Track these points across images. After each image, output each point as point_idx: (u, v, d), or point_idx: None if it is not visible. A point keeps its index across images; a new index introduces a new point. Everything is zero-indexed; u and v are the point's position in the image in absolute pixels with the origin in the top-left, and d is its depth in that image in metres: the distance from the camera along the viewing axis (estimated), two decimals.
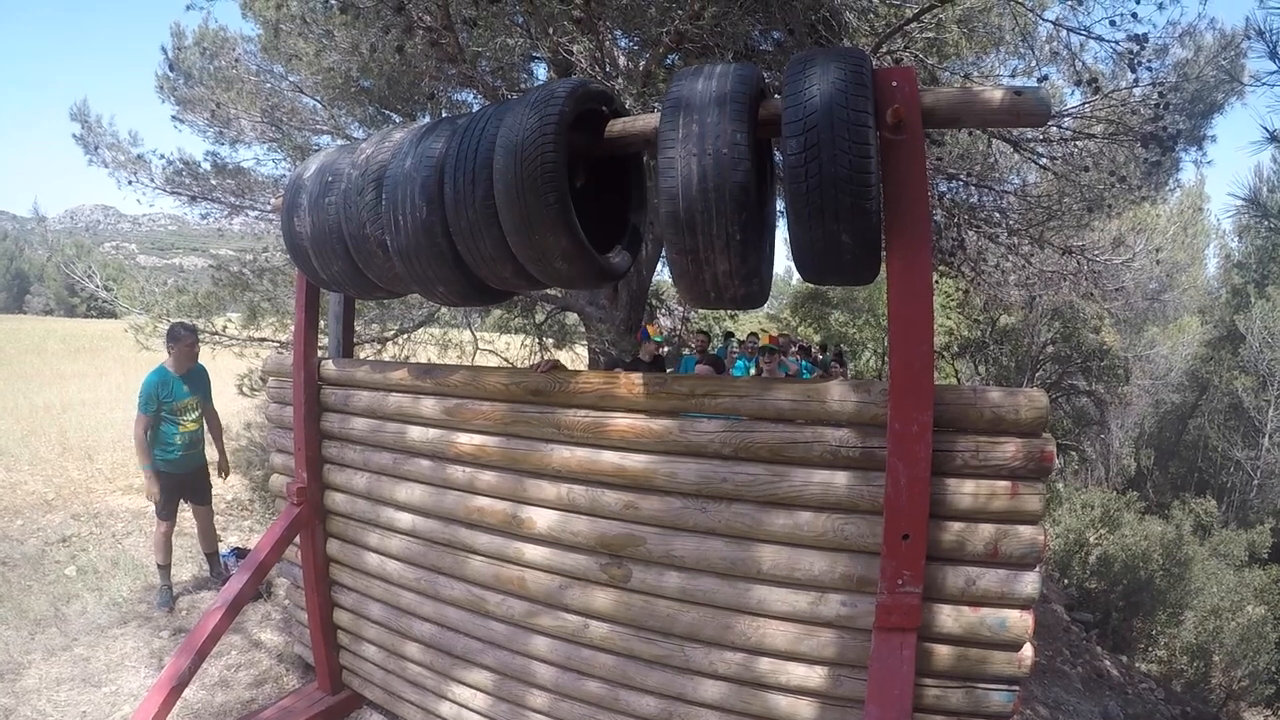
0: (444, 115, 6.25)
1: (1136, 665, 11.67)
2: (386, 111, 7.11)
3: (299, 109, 7.79)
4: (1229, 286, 23.78)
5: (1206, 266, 23.90)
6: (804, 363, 10.23)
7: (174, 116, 8.17)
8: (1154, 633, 12.88)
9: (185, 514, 6.07)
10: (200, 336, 5.92)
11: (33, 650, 4.94)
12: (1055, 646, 9.37)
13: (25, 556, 6.47)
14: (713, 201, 2.24)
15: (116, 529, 7.28)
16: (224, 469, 6.10)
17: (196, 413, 5.68)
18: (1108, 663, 10.20)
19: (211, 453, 5.96)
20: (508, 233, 2.65)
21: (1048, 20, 6.56)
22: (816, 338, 19.88)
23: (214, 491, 6.09)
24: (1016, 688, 2.42)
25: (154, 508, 5.64)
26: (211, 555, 6.14)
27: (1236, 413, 22.25)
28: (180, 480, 5.62)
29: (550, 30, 5.34)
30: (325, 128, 7.67)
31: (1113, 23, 5.80)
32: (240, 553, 6.26)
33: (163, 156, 8.12)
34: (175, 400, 5.48)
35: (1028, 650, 2.39)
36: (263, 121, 7.66)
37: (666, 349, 9.65)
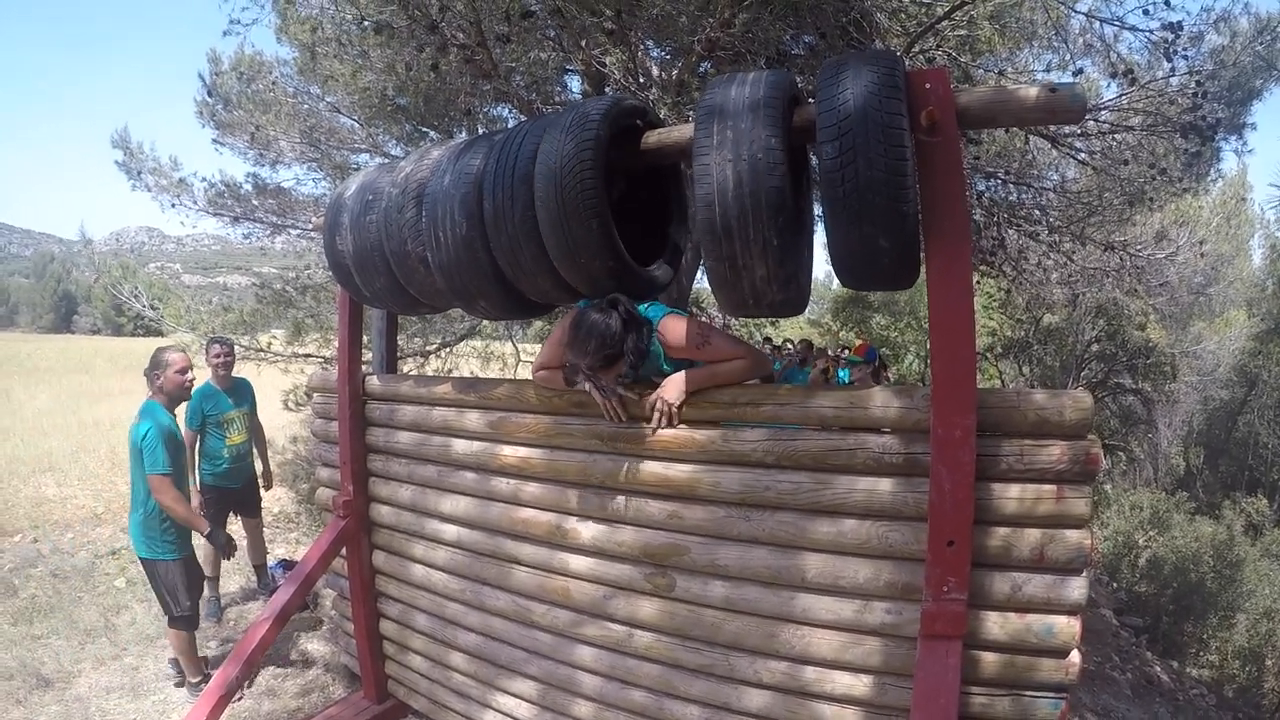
0: (480, 131, 6.32)
1: (1187, 670, 11.42)
2: (423, 128, 7.19)
3: (337, 129, 7.91)
4: (1276, 277, 23.17)
5: (1252, 258, 23.38)
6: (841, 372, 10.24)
7: (214, 140, 8.33)
8: (1205, 637, 12.60)
9: (233, 527, 6.18)
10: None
11: (83, 659, 5.08)
12: (1104, 652, 9.22)
13: (76, 569, 6.64)
14: (749, 206, 2.25)
15: None
16: (268, 481, 6.21)
17: (241, 425, 5.78)
18: (1158, 668, 10.00)
19: (258, 464, 6.07)
20: (554, 258, 2.70)
21: (1080, 12, 6.47)
22: (857, 342, 19.75)
23: (261, 504, 6.20)
24: (1064, 695, 2.38)
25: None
26: (260, 567, 6.25)
27: None
28: (229, 494, 5.72)
29: (583, 43, 5.38)
30: (363, 146, 7.77)
31: (1146, 11, 5.70)
32: (287, 565, 6.37)
33: (204, 179, 8.30)
34: (220, 413, 5.58)
35: (1075, 656, 2.36)
36: (302, 142, 7.79)
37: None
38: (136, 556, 4.70)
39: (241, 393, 5.86)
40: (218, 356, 5.66)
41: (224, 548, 4.71)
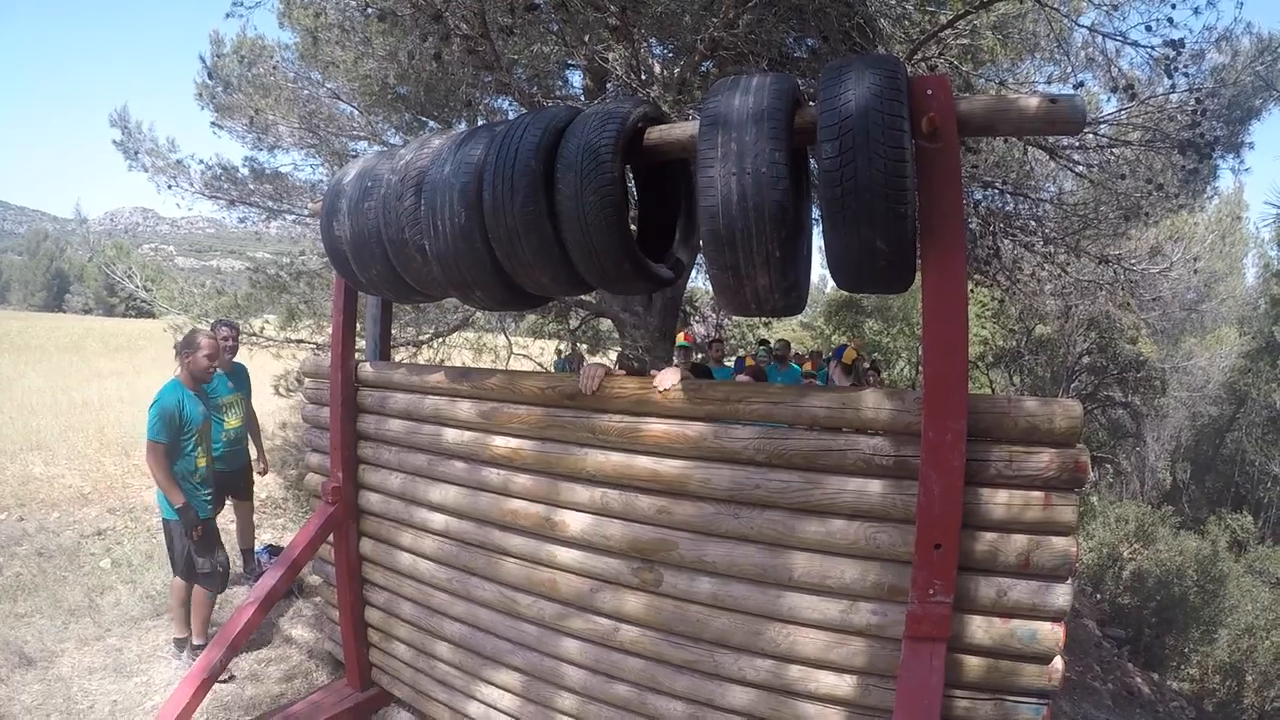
0: (481, 122, 6.32)
1: (1168, 683, 11.48)
2: (423, 118, 7.19)
3: (336, 115, 7.89)
4: (1268, 296, 23.20)
5: (1245, 276, 23.54)
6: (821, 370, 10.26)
7: (213, 123, 8.30)
8: (1186, 650, 12.66)
9: (225, 510, 6.17)
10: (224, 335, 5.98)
11: (66, 639, 5.05)
12: (1086, 662, 9.27)
13: (61, 548, 6.61)
14: (752, 220, 2.26)
15: (151, 523, 7.40)
16: (263, 465, 6.21)
17: (239, 410, 5.77)
18: (1139, 680, 10.07)
19: (251, 449, 6.06)
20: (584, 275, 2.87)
21: (1083, 26, 6.50)
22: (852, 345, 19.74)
23: (254, 489, 6.19)
24: (1046, 701, 2.40)
25: None
26: (247, 551, 6.23)
27: (1275, 426, 21.80)
28: (225, 477, 5.69)
29: (586, 38, 5.39)
30: (362, 134, 7.76)
31: (1149, 28, 5.74)
32: (274, 550, 6.35)
33: (201, 161, 8.28)
34: (218, 397, 5.56)
35: (1058, 663, 2.38)
36: (300, 128, 7.76)
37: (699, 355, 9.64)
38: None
39: (240, 377, 5.85)
40: (225, 340, 5.65)
41: (191, 526, 4.67)
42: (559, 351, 13.08)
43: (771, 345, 9.96)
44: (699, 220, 2.38)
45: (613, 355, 11.13)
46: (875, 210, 2.14)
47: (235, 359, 5.97)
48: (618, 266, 2.75)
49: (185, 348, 4.80)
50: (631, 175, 3.23)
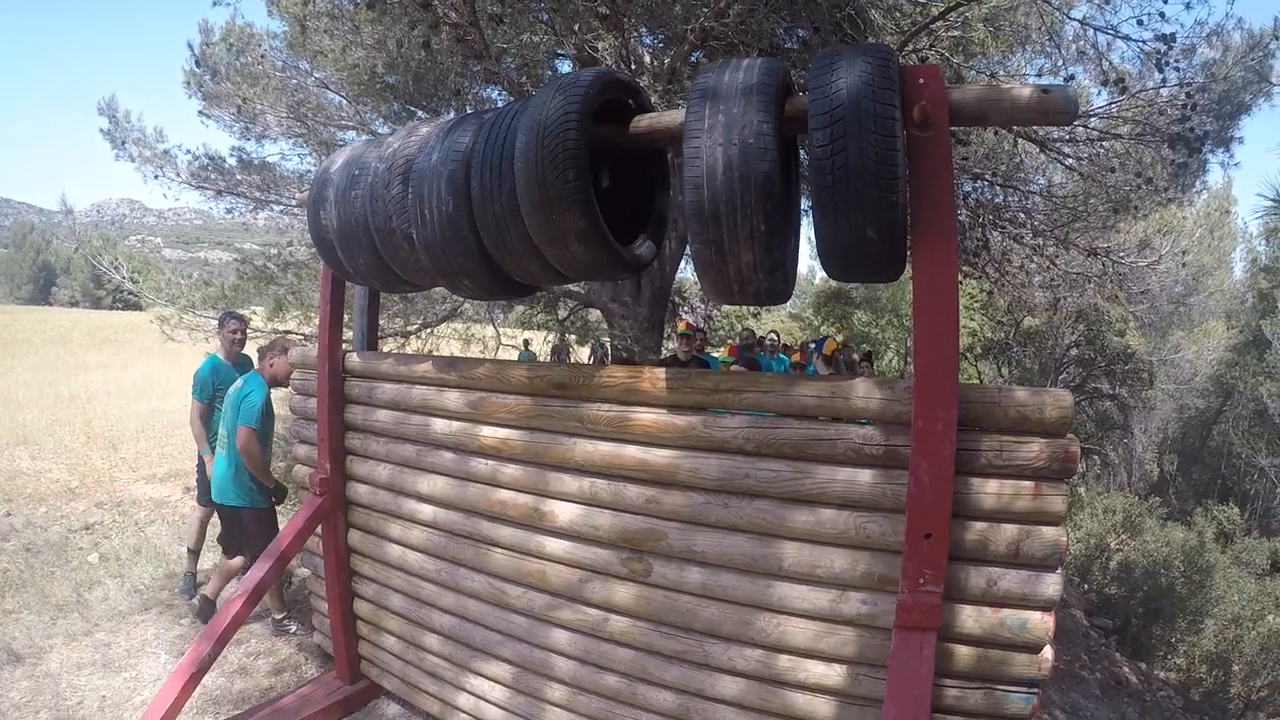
0: (470, 111, 6.28)
1: (1155, 672, 11.56)
2: (411, 107, 7.16)
3: (324, 105, 7.85)
4: (1255, 290, 23.33)
5: (1233, 270, 23.60)
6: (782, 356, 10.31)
7: (200, 112, 8.24)
8: (1173, 640, 12.75)
9: None
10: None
11: (54, 635, 5.02)
12: (1074, 652, 9.31)
13: (49, 543, 6.57)
14: (737, 191, 2.23)
15: (139, 517, 7.37)
16: None
17: None
18: (1126, 669, 10.13)
19: None
20: (525, 212, 2.61)
21: (1074, 19, 6.50)
22: (839, 337, 19.79)
23: None
24: (1036, 690, 2.40)
25: (195, 494, 5.73)
26: None
27: (1261, 419, 21.93)
28: None
29: (576, 27, 5.36)
30: (350, 123, 7.71)
31: (1140, 22, 5.74)
32: None
33: (189, 151, 8.21)
34: (228, 387, 5.54)
35: (1048, 652, 2.38)
36: (288, 117, 7.72)
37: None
38: (225, 505, 5.10)
39: (246, 368, 5.83)
40: (234, 331, 5.69)
41: (280, 499, 5.19)
42: (526, 343, 13.10)
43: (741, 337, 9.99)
44: (682, 190, 2.34)
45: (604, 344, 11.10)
46: (866, 197, 2.12)
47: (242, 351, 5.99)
48: (583, 242, 2.61)
49: (273, 351, 5.23)
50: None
